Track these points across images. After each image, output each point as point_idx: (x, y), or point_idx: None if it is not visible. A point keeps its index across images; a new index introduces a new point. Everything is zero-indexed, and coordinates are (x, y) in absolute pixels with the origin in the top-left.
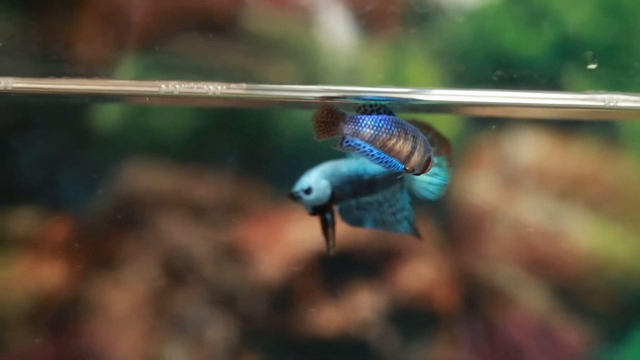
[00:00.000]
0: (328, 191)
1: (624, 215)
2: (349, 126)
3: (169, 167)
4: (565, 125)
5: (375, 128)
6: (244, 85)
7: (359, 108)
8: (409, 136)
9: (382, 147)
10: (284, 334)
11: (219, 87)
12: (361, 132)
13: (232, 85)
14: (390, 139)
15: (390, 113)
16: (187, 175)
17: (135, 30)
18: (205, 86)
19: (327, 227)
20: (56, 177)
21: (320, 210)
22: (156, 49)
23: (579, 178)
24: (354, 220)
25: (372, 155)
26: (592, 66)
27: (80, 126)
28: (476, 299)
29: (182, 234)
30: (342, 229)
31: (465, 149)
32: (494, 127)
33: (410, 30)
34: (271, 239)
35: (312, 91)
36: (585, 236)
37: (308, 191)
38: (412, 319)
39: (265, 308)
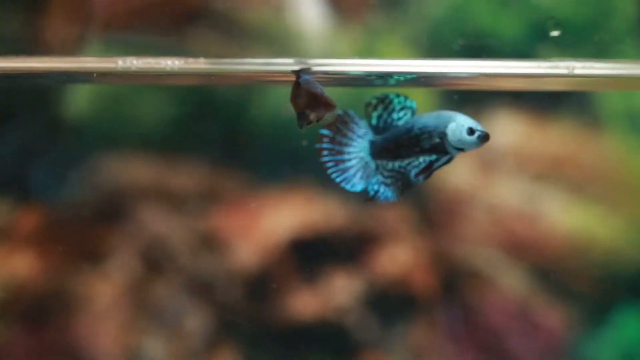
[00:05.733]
0: None
1: (604, 196)
2: None
3: (147, 157)
4: (543, 107)
5: None
6: (202, 60)
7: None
8: None
9: None
10: (261, 321)
11: (176, 62)
12: None
13: (190, 60)
14: None
15: None
16: (165, 165)
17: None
18: (163, 61)
19: None
20: (27, 168)
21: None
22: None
23: (558, 160)
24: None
25: None
26: (555, 33)
27: (51, 114)
28: (455, 283)
29: (160, 224)
30: (316, 214)
31: None
32: (455, 97)
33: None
34: (247, 227)
35: (274, 64)
36: (565, 218)
37: None
38: (390, 303)
39: (242, 296)
